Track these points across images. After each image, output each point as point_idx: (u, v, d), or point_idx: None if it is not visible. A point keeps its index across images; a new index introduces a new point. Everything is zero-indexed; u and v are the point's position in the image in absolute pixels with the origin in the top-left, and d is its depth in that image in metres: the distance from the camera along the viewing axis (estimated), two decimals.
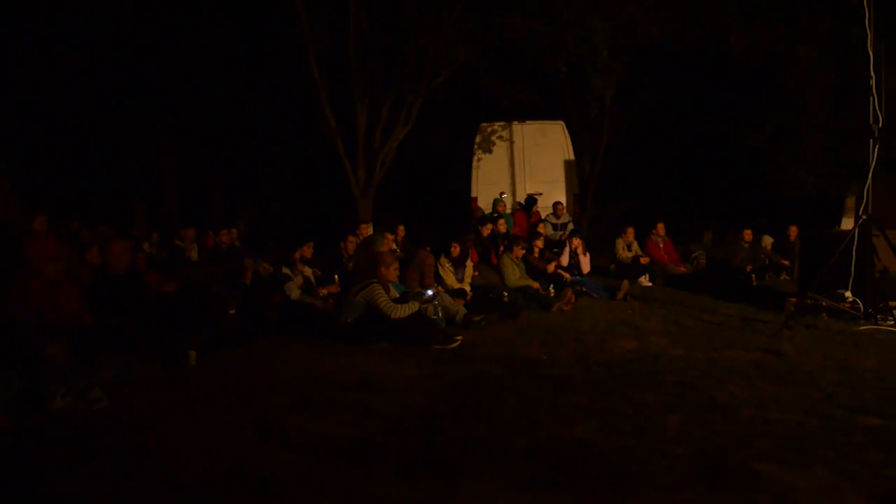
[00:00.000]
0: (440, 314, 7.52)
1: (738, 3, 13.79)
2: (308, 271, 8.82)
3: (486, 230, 11.74)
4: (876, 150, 7.01)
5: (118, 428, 4.36)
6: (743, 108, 15.67)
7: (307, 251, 8.79)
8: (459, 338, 6.85)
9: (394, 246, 11.01)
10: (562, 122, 15.20)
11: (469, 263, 9.62)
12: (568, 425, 4.30)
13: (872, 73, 6.88)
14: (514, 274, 9.59)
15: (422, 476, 3.55)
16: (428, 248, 9.40)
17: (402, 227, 12.14)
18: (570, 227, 13.39)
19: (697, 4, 14.10)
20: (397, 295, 7.42)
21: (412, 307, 6.99)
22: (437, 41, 13.71)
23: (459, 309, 7.85)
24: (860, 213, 7.23)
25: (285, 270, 8.49)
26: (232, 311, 7.57)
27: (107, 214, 15.03)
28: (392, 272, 7.24)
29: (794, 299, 8.13)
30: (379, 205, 15.83)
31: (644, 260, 11.73)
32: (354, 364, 6.07)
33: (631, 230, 12.14)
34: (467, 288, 9.18)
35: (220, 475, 3.60)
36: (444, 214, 17.36)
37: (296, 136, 20.16)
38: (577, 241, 11.10)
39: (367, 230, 12.60)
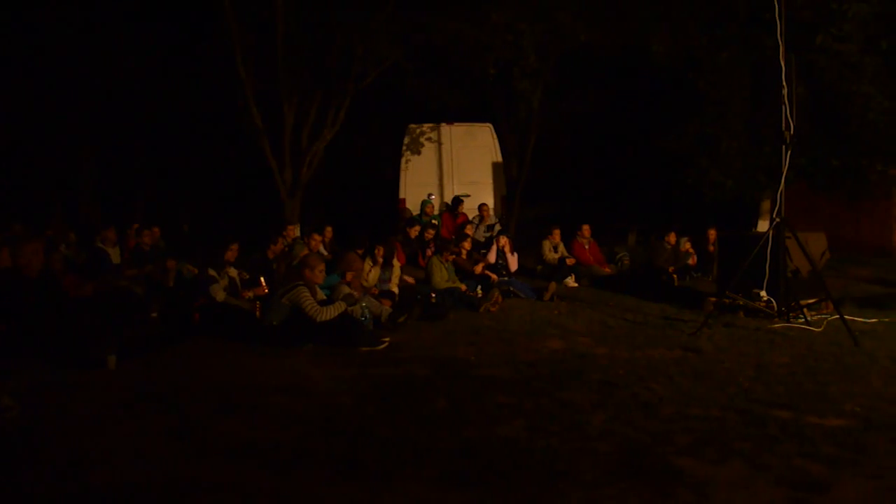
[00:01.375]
0: (367, 315, 7.49)
1: (661, 12, 14.15)
2: (234, 273, 8.66)
3: (414, 232, 11.76)
4: (788, 155, 7.30)
5: (31, 437, 4.19)
6: (666, 113, 16.09)
7: (230, 254, 8.62)
8: (387, 339, 6.84)
9: (321, 248, 10.93)
10: (490, 125, 15.34)
11: (396, 265, 9.61)
12: (495, 425, 4.34)
13: (784, 83, 7.16)
14: (443, 276, 9.62)
15: (349, 478, 3.53)
16: (360, 251, 9.35)
17: (329, 229, 12.06)
18: (498, 227, 13.53)
19: (622, 12, 14.41)
20: (324, 297, 7.35)
21: (338, 308, 6.94)
22: (366, 41, 13.65)
23: (385, 310, 7.84)
24: (774, 216, 7.50)
25: (211, 272, 8.32)
26: (154, 315, 7.37)
27: (21, 215, 14.42)
28: (318, 274, 7.17)
29: (713, 299, 8.41)
30: (307, 206, 15.66)
31: (570, 261, 11.91)
32: (281, 367, 5.99)
33: (557, 232, 12.30)
34: (395, 289, 9.18)
35: (139, 483, 3.49)
36: (373, 216, 17.30)
37: (221, 135, 19.74)
38: (504, 240, 11.23)
39: (295, 231, 12.47)
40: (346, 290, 7.59)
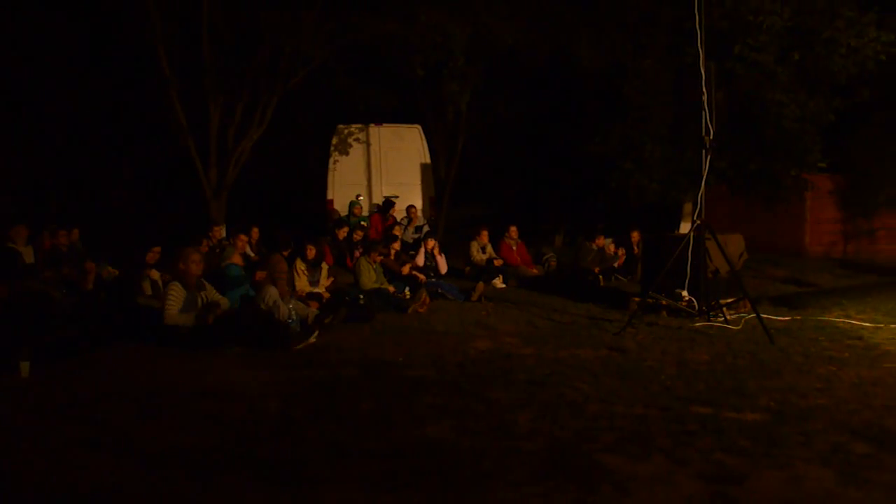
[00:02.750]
0: (294, 318, 7.40)
1: (587, 19, 14.41)
2: (156, 275, 8.44)
3: (343, 233, 11.68)
4: (708, 160, 7.52)
5: None
6: (591, 117, 16.37)
7: (152, 256, 8.40)
8: (315, 333, 6.79)
9: (247, 249, 10.75)
10: (418, 126, 15.37)
11: (325, 266, 9.52)
12: (423, 425, 4.34)
13: (704, 90, 7.38)
14: (370, 277, 9.57)
15: (275, 483, 3.48)
16: (286, 253, 9.22)
17: (256, 229, 11.86)
18: (426, 229, 13.55)
19: (549, 17, 14.62)
20: (213, 291, 7.17)
21: (187, 320, 6.74)
22: (294, 40, 13.48)
23: (311, 312, 7.76)
24: (695, 218, 7.72)
25: (132, 274, 8.09)
26: (71, 319, 7.10)
27: None
28: (192, 265, 6.97)
29: (637, 299, 8.60)
30: (234, 206, 15.34)
31: (498, 262, 12.00)
32: (205, 371, 5.86)
33: (485, 233, 12.38)
34: (323, 291, 9.10)
35: (56, 493, 3.36)
36: (301, 217, 17.10)
37: (144, 133, 19.16)
38: (431, 242, 11.25)
39: (220, 232, 12.22)
40: (274, 291, 7.46)
